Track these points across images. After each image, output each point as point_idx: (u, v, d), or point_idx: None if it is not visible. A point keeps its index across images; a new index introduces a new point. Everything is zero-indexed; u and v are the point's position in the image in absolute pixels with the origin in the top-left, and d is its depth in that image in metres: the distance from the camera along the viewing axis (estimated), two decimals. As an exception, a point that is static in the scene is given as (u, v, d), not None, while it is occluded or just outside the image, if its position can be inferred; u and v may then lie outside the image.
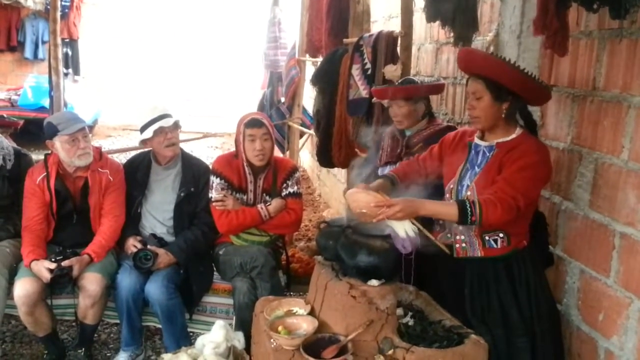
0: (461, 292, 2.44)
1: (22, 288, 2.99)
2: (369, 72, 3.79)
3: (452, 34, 2.97)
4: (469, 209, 2.22)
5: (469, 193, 2.38)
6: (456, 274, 2.46)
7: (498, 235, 2.37)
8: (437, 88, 3.28)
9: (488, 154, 2.39)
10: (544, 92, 2.34)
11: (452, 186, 2.47)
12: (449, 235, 2.49)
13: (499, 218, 2.22)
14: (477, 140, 2.47)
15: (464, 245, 2.44)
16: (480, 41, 3.25)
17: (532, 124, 2.42)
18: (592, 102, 2.36)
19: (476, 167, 2.41)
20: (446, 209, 2.31)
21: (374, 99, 3.57)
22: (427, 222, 2.56)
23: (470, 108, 2.39)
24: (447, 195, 2.49)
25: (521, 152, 2.28)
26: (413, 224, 2.29)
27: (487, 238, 2.38)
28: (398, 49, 3.67)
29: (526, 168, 2.24)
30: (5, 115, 4.96)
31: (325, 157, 4.59)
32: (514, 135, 2.36)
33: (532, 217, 2.45)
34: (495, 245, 2.38)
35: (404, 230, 2.27)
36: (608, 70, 2.27)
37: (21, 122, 4.89)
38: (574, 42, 2.42)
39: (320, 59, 5.03)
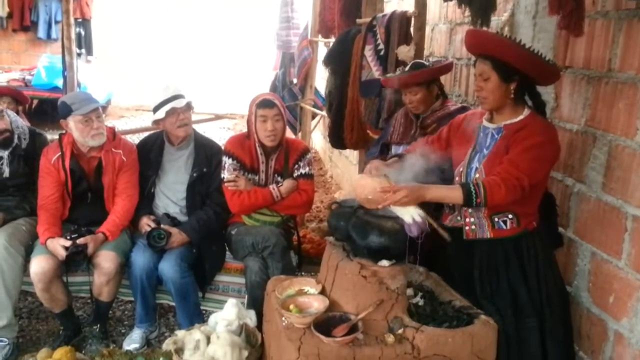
0: (470, 274, 2.46)
1: (38, 265, 3.04)
2: (382, 53, 3.77)
3: (468, 14, 2.94)
4: (474, 191, 2.24)
5: (477, 175, 2.38)
6: (465, 255, 2.47)
7: (507, 217, 2.37)
8: (446, 68, 3.25)
9: (496, 136, 2.39)
10: (552, 70, 2.32)
11: (461, 169, 2.48)
12: (458, 217, 2.50)
13: (504, 198, 2.23)
14: (485, 123, 2.47)
15: (473, 227, 2.44)
16: (495, 21, 3.22)
17: (540, 105, 2.41)
18: (607, 83, 2.34)
19: (484, 150, 2.41)
20: (451, 192, 2.32)
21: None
22: (437, 205, 2.57)
23: (478, 89, 2.39)
24: (457, 179, 2.49)
25: (527, 132, 2.28)
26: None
27: (496, 219, 2.39)
28: (411, 29, 3.64)
29: (531, 148, 2.25)
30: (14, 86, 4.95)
31: (337, 139, 4.59)
32: (521, 117, 2.36)
33: (542, 198, 2.44)
34: (504, 227, 2.39)
35: (409, 215, 2.28)
36: (624, 52, 2.25)
37: (29, 99, 4.90)
38: (590, 22, 2.39)
39: (332, 40, 5.01)
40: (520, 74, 2.29)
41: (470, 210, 2.42)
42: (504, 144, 2.34)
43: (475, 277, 2.45)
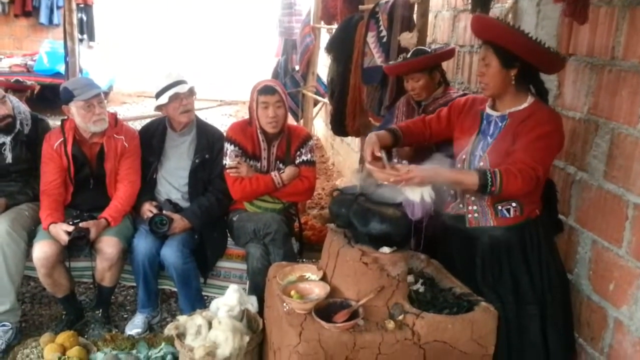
0: (472, 261, 2.46)
1: (41, 250, 3.05)
2: (385, 39, 3.75)
3: (469, 1, 2.93)
4: (490, 179, 2.20)
5: (481, 163, 2.37)
6: (468, 242, 2.47)
7: (511, 205, 2.36)
8: (448, 53, 3.24)
9: (500, 124, 2.37)
10: (553, 58, 2.30)
11: (464, 156, 2.47)
12: (461, 205, 2.49)
13: (520, 189, 2.21)
14: (488, 110, 2.45)
15: (476, 215, 2.44)
16: (499, 8, 3.20)
17: (543, 92, 2.40)
18: (611, 71, 2.33)
19: (489, 138, 2.40)
20: (466, 177, 2.28)
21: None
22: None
23: (480, 74, 2.38)
24: (459, 165, 2.48)
25: (535, 121, 2.26)
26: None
27: (499, 208, 2.38)
28: (414, 16, 3.62)
29: (542, 138, 2.23)
30: (20, 79, 5.03)
31: (339, 126, 4.58)
32: (525, 104, 2.34)
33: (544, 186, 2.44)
34: (508, 215, 2.38)
35: (419, 194, 2.26)
36: (627, 39, 2.23)
37: (36, 85, 4.97)
38: (593, 10, 2.37)
39: (335, 26, 4.99)
40: (521, 60, 2.27)
41: (473, 197, 2.42)
42: (509, 132, 2.32)
43: (477, 265, 2.45)
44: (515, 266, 2.40)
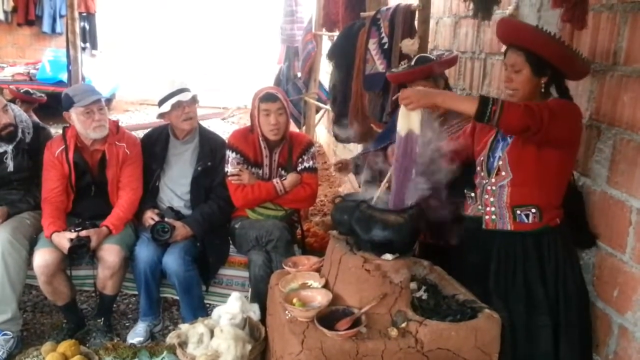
0: (486, 266, 2.43)
1: (41, 258, 3.05)
2: (386, 46, 3.75)
3: (471, 7, 2.93)
4: (491, 100, 2.12)
5: (500, 163, 2.36)
6: (483, 247, 2.44)
7: (530, 210, 2.32)
8: (452, 61, 3.23)
9: None
10: (584, 67, 2.28)
11: (482, 158, 2.45)
12: (479, 207, 2.47)
13: (520, 118, 2.10)
14: None
15: (493, 217, 2.41)
16: (500, 14, 3.20)
17: (567, 98, 2.35)
18: (612, 76, 2.33)
19: (508, 138, 2.35)
20: (465, 100, 2.20)
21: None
22: (460, 193, 2.56)
23: (507, 81, 2.32)
24: (478, 169, 2.48)
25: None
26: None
27: (518, 212, 2.34)
28: (416, 22, 3.62)
29: (554, 106, 2.19)
30: (31, 91, 5.07)
31: (342, 133, 4.58)
32: None
33: (568, 194, 2.39)
34: (526, 220, 2.34)
35: (409, 123, 2.21)
36: (629, 45, 2.23)
37: (45, 98, 5.04)
38: (595, 15, 2.38)
39: (337, 34, 4.99)
40: (552, 68, 2.24)
41: (492, 199, 2.39)
42: None
43: (491, 270, 2.41)
44: (530, 275, 2.35)
